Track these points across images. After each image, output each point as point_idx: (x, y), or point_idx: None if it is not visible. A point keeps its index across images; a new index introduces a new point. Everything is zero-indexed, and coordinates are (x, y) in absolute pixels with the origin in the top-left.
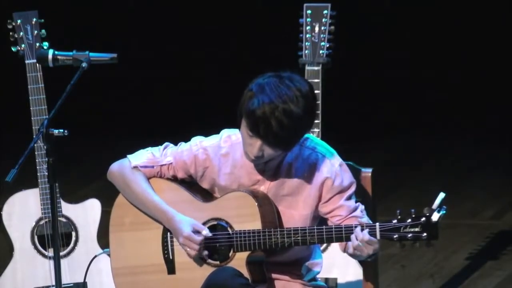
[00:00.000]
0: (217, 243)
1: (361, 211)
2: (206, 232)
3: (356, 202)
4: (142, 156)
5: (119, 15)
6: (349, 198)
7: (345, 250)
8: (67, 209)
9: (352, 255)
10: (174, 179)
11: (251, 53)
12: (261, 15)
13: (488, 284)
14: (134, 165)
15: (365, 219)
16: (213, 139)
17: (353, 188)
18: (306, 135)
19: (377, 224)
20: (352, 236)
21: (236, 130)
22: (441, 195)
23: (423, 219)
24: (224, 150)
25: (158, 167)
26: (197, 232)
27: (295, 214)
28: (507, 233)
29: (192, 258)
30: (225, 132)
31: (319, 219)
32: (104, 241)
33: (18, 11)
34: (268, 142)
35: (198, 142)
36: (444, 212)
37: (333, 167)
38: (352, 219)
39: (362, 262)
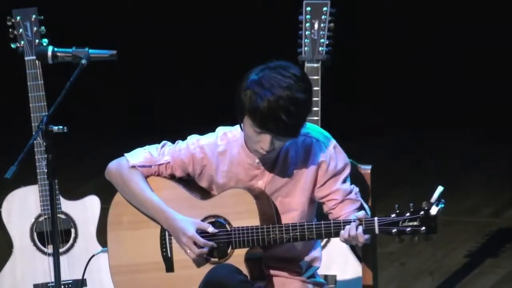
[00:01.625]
0: (215, 240)
1: (355, 194)
2: (212, 229)
3: (351, 184)
4: (139, 155)
5: (119, 12)
6: (344, 181)
7: None
8: (66, 205)
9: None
10: (172, 177)
11: (250, 49)
12: (260, 12)
13: (487, 282)
14: (132, 165)
15: (361, 213)
16: (209, 137)
17: (347, 170)
18: None
19: (376, 218)
20: (347, 227)
21: (232, 127)
22: (440, 189)
23: (422, 213)
24: (221, 148)
25: (156, 166)
26: (202, 231)
27: (293, 201)
28: (506, 231)
29: (192, 259)
30: (221, 130)
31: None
32: (103, 238)
33: (18, 8)
34: (278, 134)
35: (195, 141)
36: (443, 205)
37: (327, 151)
38: (347, 202)
39: (361, 260)
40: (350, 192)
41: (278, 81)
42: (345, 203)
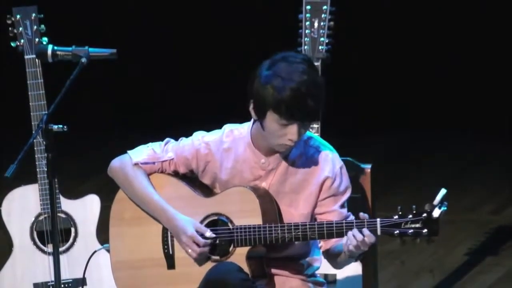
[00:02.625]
0: (217, 238)
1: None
2: (209, 234)
3: (348, 211)
4: (142, 153)
5: (119, 10)
6: (342, 205)
7: (328, 251)
8: (66, 204)
9: (334, 257)
10: (175, 174)
11: (250, 48)
12: (260, 11)
13: (488, 280)
14: (135, 162)
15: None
16: (215, 134)
17: (348, 194)
18: (310, 134)
19: (378, 219)
20: (349, 234)
21: (239, 125)
22: (442, 191)
23: (424, 215)
24: (226, 145)
25: (159, 163)
26: (200, 233)
27: (295, 213)
28: (506, 229)
29: (193, 258)
30: (227, 127)
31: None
32: (103, 237)
33: (18, 6)
34: (305, 120)
35: (200, 137)
36: (445, 208)
37: (334, 168)
38: None
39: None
40: (346, 218)
41: (294, 69)
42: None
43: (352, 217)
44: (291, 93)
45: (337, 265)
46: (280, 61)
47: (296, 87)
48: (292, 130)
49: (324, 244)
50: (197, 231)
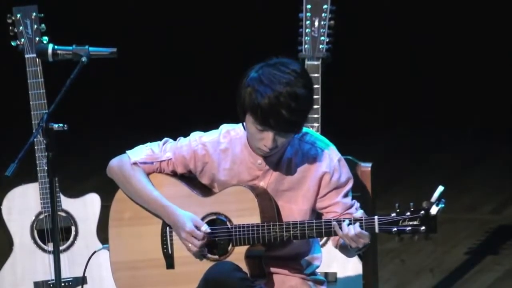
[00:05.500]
0: (216, 238)
1: (356, 209)
2: (205, 228)
3: (352, 199)
4: (141, 152)
5: (120, 9)
6: (346, 195)
7: (336, 245)
8: (66, 203)
9: (344, 249)
10: (174, 174)
11: (250, 47)
12: (260, 9)
13: (487, 279)
14: (134, 162)
15: (359, 213)
16: (212, 135)
17: (350, 185)
18: (306, 130)
19: (376, 217)
20: (344, 229)
21: (235, 125)
22: (440, 189)
23: (422, 212)
24: (224, 146)
25: (158, 163)
26: (197, 227)
27: (295, 208)
28: (506, 228)
29: (192, 253)
30: (224, 127)
31: (316, 214)
32: (104, 236)
33: (18, 5)
34: (280, 130)
35: (197, 138)
36: (443, 205)
37: (332, 162)
38: (346, 216)
39: (361, 257)
40: (351, 206)
41: (278, 78)
42: (345, 217)
43: (357, 205)
44: (268, 100)
45: (348, 255)
46: (270, 66)
47: (273, 96)
48: (267, 137)
49: (332, 238)
50: (195, 226)
